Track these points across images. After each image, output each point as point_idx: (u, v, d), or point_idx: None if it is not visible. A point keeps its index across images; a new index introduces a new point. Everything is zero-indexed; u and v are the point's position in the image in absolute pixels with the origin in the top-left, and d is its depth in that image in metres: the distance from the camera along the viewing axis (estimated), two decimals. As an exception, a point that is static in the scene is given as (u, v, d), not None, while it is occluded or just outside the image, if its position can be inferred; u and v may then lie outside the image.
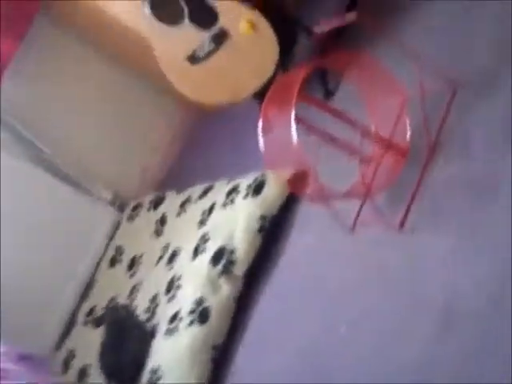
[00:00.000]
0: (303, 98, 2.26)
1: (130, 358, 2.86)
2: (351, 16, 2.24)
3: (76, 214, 3.75)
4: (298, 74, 2.25)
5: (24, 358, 2.45)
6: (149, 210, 3.58)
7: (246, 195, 2.87)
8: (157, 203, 3.55)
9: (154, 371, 2.72)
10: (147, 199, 3.67)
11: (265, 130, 2.32)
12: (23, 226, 3.65)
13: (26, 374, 2.27)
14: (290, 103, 2.17)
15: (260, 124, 2.31)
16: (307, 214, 2.68)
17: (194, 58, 3.01)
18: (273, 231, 2.75)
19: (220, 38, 2.90)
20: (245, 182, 2.95)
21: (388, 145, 2.35)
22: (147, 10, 2.93)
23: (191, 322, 2.68)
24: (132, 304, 3.17)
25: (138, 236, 3.52)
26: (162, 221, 3.38)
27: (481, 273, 1.89)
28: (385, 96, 2.37)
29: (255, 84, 2.95)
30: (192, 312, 2.71)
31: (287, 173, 2.48)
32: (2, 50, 3.51)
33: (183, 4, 2.86)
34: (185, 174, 3.73)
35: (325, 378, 2.17)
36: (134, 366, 2.85)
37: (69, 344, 3.54)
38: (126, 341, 2.88)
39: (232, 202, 2.93)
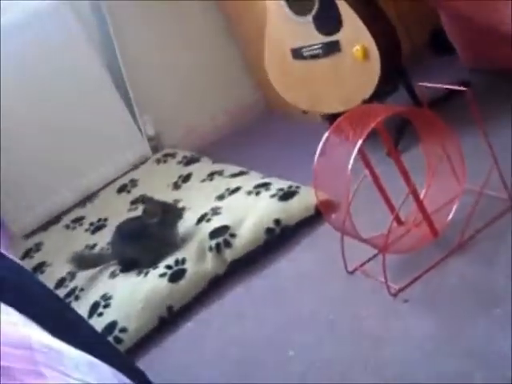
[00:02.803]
0: (381, 130, 2.27)
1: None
2: (458, 88, 2.25)
3: (113, 128, 3.77)
4: (385, 110, 2.27)
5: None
6: (179, 163, 3.59)
7: (273, 195, 2.87)
8: (189, 161, 3.57)
9: (106, 298, 2.72)
10: (182, 153, 3.69)
11: (323, 150, 2.34)
12: (60, 112, 3.68)
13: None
14: (363, 132, 2.18)
15: (323, 142, 2.33)
16: (319, 236, 2.68)
17: (297, 53, 3.03)
18: (279, 239, 2.75)
19: (330, 49, 2.92)
20: (278, 184, 2.96)
21: (425, 218, 2.35)
22: (283, -10, 2.96)
23: (162, 275, 2.69)
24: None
25: (156, 180, 3.54)
26: (186, 178, 3.39)
27: (442, 371, 1.88)
28: (447, 177, 2.38)
29: (337, 107, 2.96)
30: (168, 267, 2.72)
31: (323, 196, 2.49)
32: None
33: (317, 1, 2.87)
34: (227, 151, 3.73)
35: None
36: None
37: (40, 238, 3.56)
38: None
39: (257, 194, 2.94)
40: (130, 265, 2.86)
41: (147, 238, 2.85)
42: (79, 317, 1.85)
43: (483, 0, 2.72)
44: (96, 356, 1.24)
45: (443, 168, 2.38)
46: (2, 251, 1.85)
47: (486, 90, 3.01)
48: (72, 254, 3.00)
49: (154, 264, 2.78)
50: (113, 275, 2.87)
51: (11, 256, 1.90)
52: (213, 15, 3.95)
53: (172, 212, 2.91)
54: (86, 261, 3.01)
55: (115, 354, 1.83)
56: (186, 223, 2.94)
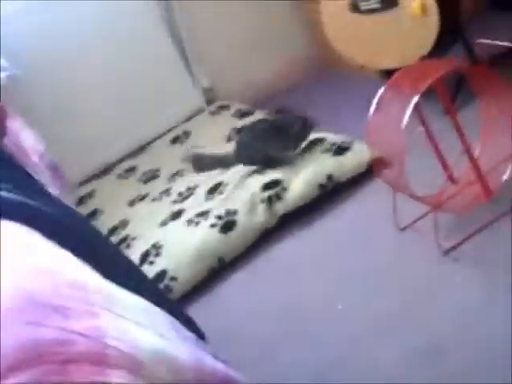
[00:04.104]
0: (439, 87, 2.24)
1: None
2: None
3: (168, 79, 3.76)
4: (442, 65, 2.24)
5: (53, 168, 2.48)
6: (233, 116, 3.58)
7: (327, 150, 2.87)
8: (243, 114, 3.55)
9: (157, 247, 2.75)
10: (236, 106, 3.67)
11: (378, 105, 2.32)
12: (115, 63, 3.69)
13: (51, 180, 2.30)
14: (420, 88, 2.15)
15: (378, 97, 2.31)
16: (370, 192, 2.68)
17: (355, 7, 2.99)
18: (331, 194, 2.75)
19: (389, 3, 2.87)
20: (332, 138, 2.96)
21: (479, 178, 2.33)
22: None
23: (213, 226, 2.71)
24: (169, 183, 3.21)
25: (209, 131, 3.53)
26: (239, 131, 3.39)
27: (493, 333, 1.88)
28: (503, 135, 2.35)
29: (395, 63, 2.91)
30: (219, 218, 2.74)
31: (376, 153, 2.47)
32: None
33: (377, -46, 2.84)
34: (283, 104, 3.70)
35: (305, 340, 2.18)
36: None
37: (93, 186, 3.59)
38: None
39: (310, 149, 2.94)
40: (257, 161, 2.93)
41: (285, 135, 2.93)
42: (132, 263, 1.88)
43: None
44: (148, 301, 1.26)
45: (500, 126, 2.35)
46: (59, 197, 1.87)
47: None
48: (189, 154, 3.12)
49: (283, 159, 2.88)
50: (163, 224, 2.89)
51: (66, 201, 1.93)
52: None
53: (306, 122, 2.97)
54: (204, 162, 3.08)
55: (166, 300, 1.85)
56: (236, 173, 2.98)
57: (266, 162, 2.91)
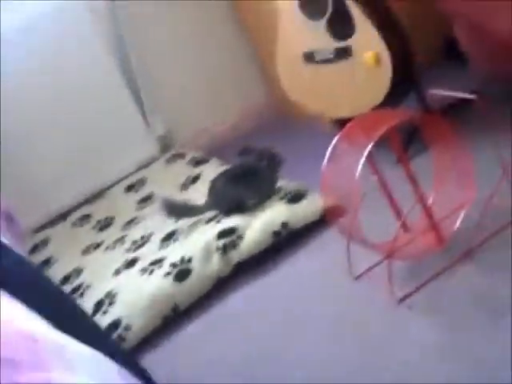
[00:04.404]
0: (392, 136, 2.27)
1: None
2: (468, 96, 2.24)
3: (123, 127, 3.76)
4: (395, 115, 2.27)
5: (7, 216, 2.46)
6: (188, 164, 3.59)
7: (281, 198, 2.88)
8: (198, 162, 3.56)
9: (111, 296, 2.73)
10: (191, 154, 3.68)
11: (332, 154, 2.34)
12: (71, 109, 3.69)
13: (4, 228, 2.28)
14: (373, 137, 2.18)
15: (332, 147, 2.33)
16: (325, 240, 2.69)
17: (309, 58, 3.03)
18: (285, 242, 2.76)
19: (342, 54, 2.92)
20: (287, 186, 2.97)
21: (432, 227, 2.35)
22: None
23: (167, 274, 2.69)
24: (124, 231, 3.20)
25: (164, 179, 3.54)
26: (194, 179, 3.39)
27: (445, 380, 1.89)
28: (456, 184, 2.38)
29: (348, 112, 2.94)
30: (174, 266, 2.72)
31: (330, 201, 2.49)
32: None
33: (330, 6, 2.88)
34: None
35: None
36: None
37: (47, 234, 3.57)
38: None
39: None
40: (233, 208, 2.91)
41: (258, 179, 2.95)
42: (84, 313, 1.86)
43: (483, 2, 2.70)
44: (99, 352, 1.24)
45: (452, 176, 2.38)
46: (10, 246, 1.85)
47: (503, 100, 2.99)
48: (162, 199, 3.11)
49: (259, 204, 2.89)
50: (117, 272, 2.87)
51: (19, 250, 1.91)
52: (227, 16, 3.95)
53: (274, 158, 2.99)
54: (178, 209, 3.06)
55: (118, 351, 1.84)
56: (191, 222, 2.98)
57: (241, 209, 2.90)
